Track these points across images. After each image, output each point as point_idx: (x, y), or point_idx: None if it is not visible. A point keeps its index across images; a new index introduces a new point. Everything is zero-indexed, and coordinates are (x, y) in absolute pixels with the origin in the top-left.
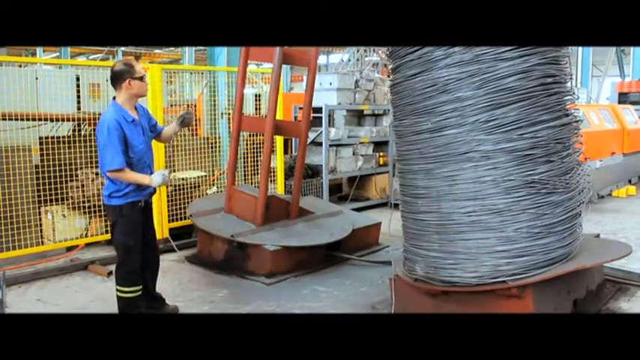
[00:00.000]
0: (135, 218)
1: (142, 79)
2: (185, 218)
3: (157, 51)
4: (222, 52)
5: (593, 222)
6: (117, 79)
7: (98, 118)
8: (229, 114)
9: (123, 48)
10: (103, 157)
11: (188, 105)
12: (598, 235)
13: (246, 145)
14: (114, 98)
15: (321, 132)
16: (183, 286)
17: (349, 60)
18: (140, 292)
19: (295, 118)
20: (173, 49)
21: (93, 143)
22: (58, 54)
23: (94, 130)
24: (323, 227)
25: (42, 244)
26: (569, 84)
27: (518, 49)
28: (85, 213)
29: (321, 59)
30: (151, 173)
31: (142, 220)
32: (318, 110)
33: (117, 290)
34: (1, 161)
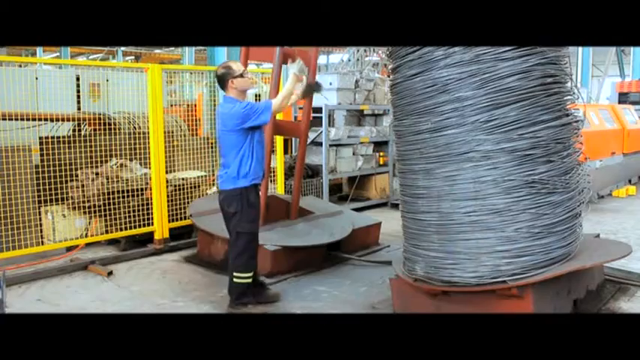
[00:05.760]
0: (258, 204)
1: (241, 75)
2: (185, 218)
3: (157, 51)
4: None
5: (593, 222)
6: (222, 82)
7: (98, 119)
8: None
9: (123, 48)
10: (253, 116)
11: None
12: (598, 235)
13: None
14: (225, 96)
15: (321, 132)
16: (183, 286)
17: (349, 60)
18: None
19: (295, 118)
20: (173, 49)
21: (93, 143)
22: (58, 54)
23: (94, 130)
24: (323, 227)
25: (42, 244)
26: (569, 84)
27: (518, 49)
28: (85, 213)
29: (321, 59)
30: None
31: None
32: (318, 110)
33: (234, 277)
34: (1, 161)
